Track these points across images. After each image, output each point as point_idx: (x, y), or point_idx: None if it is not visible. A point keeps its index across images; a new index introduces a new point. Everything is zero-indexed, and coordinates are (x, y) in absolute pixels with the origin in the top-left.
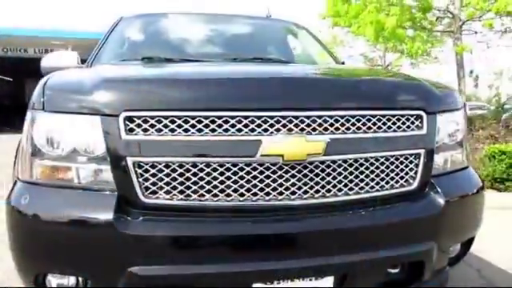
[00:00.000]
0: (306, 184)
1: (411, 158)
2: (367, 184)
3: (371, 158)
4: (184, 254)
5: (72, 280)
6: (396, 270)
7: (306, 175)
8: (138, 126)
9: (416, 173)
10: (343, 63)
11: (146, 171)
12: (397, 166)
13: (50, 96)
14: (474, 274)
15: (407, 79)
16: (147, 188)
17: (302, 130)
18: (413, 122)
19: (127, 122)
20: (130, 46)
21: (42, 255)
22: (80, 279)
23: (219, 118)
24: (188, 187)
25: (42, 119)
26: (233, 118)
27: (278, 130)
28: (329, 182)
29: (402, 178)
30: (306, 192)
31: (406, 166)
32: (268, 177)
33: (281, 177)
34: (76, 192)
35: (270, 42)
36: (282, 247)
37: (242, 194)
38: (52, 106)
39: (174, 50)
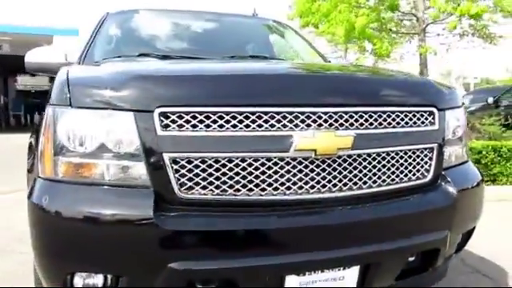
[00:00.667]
0: (335, 177)
1: (426, 152)
2: (388, 177)
3: (392, 152)
4: (222, 248)
5: (100, 279)
6: (412, 258)
7: (335, 169)
8: (173, 121)
9: (430, 166)
10: (329, 62)
11: (182, 167)
12: (414, 160)
13: (77, 92)
14: (457, 263)
15: (419, 78)
16: (183, 184)
17: (331, 125)
18: (426, 118)
19: (162, 118)
20: (124, 42)
21: (73, 254)
22: (109, 278)
23: (253, 113)
24: (224, 182)
25: (68, 116)
26: (266, 113)
27: (308, 126)
28: (355, 176)
29: (418, 170)
30: (334, 185)
31: (422, 160)
32: (300, 171)
33: (312, 171)
34: (106, 189)
35: (262, 40)
36: (314, 239)
37: (276, 189)
38: (80, 102)
39: (168, 46)
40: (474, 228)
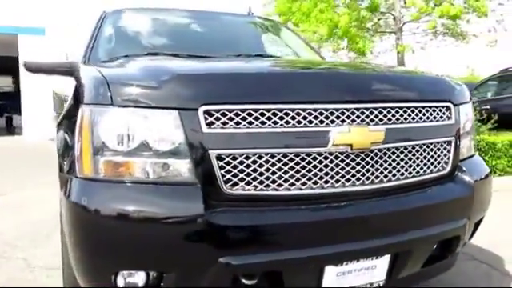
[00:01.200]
0: (368, 171)
1: (445, 145)
2: (414, 169)
3: (416, 145)
4: (269, 241)
5: (142, 277)
6: (435, 246)
7: (367, 163)
8: (217, 119)
9: (448, 158)
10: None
11: (227, 163)
12: (435, 152)
13: (120, 91)
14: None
15: (436, 76)
16: (228, 180)
17: (362, 120)
18: (444, 113)
19: (206, 116)
20: (127, 41)
21: (120, 253)
22: (151, 275)
23: (292, 110)
24: (267, 178)
25: (110, 115)
26: (304, 110)
27: (343, 121)
28: (385, 169)
29: (438, 162)
30: (367, 178)
31: (442, 152)
32: (337, 165)
33: (348, 165)
34: (152, 187)
35: (262, 39)
36: (351, 230)
37: (315, 183)
38: (122, 100)
39: (172, 45)
40: (483, 218)
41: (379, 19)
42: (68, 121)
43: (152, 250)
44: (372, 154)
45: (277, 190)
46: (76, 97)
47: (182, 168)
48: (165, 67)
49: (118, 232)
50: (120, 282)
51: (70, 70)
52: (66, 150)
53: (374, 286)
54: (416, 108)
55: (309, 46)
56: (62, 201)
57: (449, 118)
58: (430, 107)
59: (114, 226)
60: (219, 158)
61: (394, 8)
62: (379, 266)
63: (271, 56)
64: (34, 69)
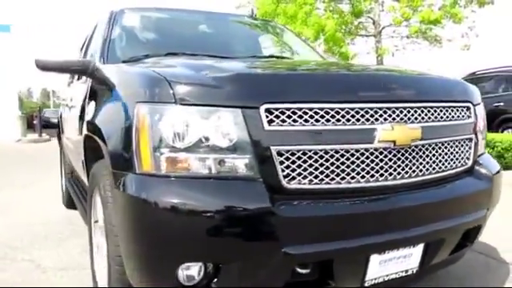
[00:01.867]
0: (407, 165)
1: (467, 142)
2: (443, 164)
3: (445, 142)
4: (326, 231)
5: (201, 269)
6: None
7: (407, 158)
8: (277, 117)
9: (470, 154)
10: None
11: (287, 159)
12: (459, 148)
13: (183, 89)
14: None
15: (456, 79)
16: (287, 175)
17: (402, 119)
18: (465, 112)
19: (267, 114)
20: (144, 41)
21: (186, 246)
22: (209, 267)
23: (342, 109)
24: (321, 172)
25: (172, 112)
26: (352, 109)
27: (385, 120)
28: (421, 163)
29: (462, 158)
30: (407, 172)
31: (465, 148)
32: (381, 160)
33: (390, 160)
34: (215, 182)
35: (271, 41)
36: (394, 221)
37: (362, 177)
38: (186, 99)
39: (189, 45)
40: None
41: (359, 23)
42: (108, 120)
43: (217, 242)
44: (410, 150)
45: (329, 183)
46: (109, 96)
47: (244, 164)
48: (224, 68)
49: (183, 226)
50: (180, 275)
51: (83, 69)
52: (120, 148)
53: (409, 273)
54: (444, 108)
55: (312, 48)
56: (113, 197)
57: (469, 116)
58: (455, 107)
59: (179, 220)
60: (279, 153)
61: (374, 12)
62: (414, 254)
63: (283, 57)
64: (45, 67)
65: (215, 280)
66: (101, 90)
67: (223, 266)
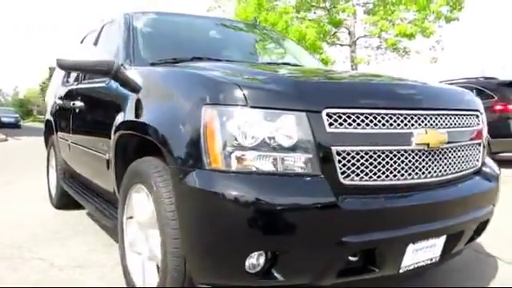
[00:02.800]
0: (437, 165)
1: (477, 145)
2: (462, 164)
3: (464, 145)
4: (379, 222)
5: (264, 259)
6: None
7: (437, 159)
8: (335, 120)
9: (479, 156)
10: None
11: (343, 158)
12: (472, 151)
13: (253, 93)
14: None
15: (465, 90)
16: (344, 172)
17: (431, 124)
18: (475, 119)
19: (328, 118)
20: (167, 44)
21: (257, 237)
22: (269, 256)
23: (387, 114)
24: (370, 170)
25: (242, 114)
26: (394, 114)
27: (419, 125)
28: (446, 164)
29: (474, 159)
30: (436, 171)
31: (476, 151)
32: (417, 160)
33: (424, 160)
34: (280, 178)
35: (279, 47)
36: (427, 214)
37: (402, 175)
38: (256, 102)
39: (209, 50)
40: None
41: (335, 33)
42: (166, 120)
43: (285, 232)
44: (439, 152)
45: (375, 180)
46: (162, 98)
47: (308, 162)
48: (288, 75)
49: (253, 218)
50: (247, 264)
51: (106, 70)
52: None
53: (432, 261)
54: (462, 115)
55: (311, 55)
56: (176, 192)
57: (478, 124)
58: (469, 115)
59: (249, 213)
60: (338, 153)
61: (349, 23)
62: (438, 245)
63: (296, 64)
64: (67, 66)
65: (275, 266)
66: (146, 92)
67: (285, 254)
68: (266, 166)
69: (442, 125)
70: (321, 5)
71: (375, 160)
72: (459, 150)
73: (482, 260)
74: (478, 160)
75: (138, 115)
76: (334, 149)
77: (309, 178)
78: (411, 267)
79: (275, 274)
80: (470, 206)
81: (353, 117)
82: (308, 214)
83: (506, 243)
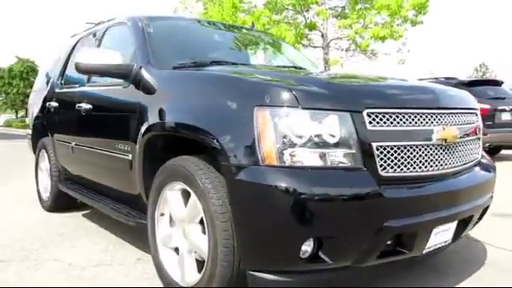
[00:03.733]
0: (451, 158)
1: (477, 140)
2: (468, 156)
3: (469, 140)
4: (413, 208)
5: (313, 245)
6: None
7: (452, 152)
8: (373, 119)
9: (479, 150)
10: None
11: (381, 152)
12: (474, 145)
13: (305, 96)
14: None
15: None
16: (381, 165)
17: (446, 122)
18: (475, 117)
19: (367, 117)
20: (185, 48)
21: (311, 224)
22: (318, 241)
23: (414, 113)
24: (402, 163)
25: (295, 114)
26: (420, 114)
27: (437, 123)
28: (457, 156)
29: (475, 152)
30: (451, 162)
31: (476, 144)
32: (437, 153)
33: (442, 153)
34: (328, 171)
35: (283, 52)
36: (447, 201)
37: (425, 166)
38: (307, 104)
39: (227, 55)
40: None
41: (307, 35)
42: (215, 120)
43: (336, 220)
44: (453, 146)
45: (405, 172)
46: (206, 99)
47: (352, 156)
48: (331, 79)
49: (307, 207)
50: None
51: (125, 73)
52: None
53: (446, 243)
54: (467, 113)
55: (306, 58)
56: (231, 187)
57: (477, 121)
58: (471, 113)
59: (303, 203)
60: (377, 148)
61: (323, 26)
62: (451, 229)
63: (300, 67)
64: (87, 70)
65: (323, 250)
66: (181, 94)
67: (334, 239)
68: (315, 161)
69: (454, 122)
70: (297, 8)
71: (405, 154)
72: (465, 144)
73: (471, 244)
74: (478, 153)
75: (174, 117)
76: (374, 144)
77: (353, 171)
78: (431, 249)
79: (324, 258)
80: (477, 193)
81: (387, 116)
82: (356, 202)
83: (490, 229)
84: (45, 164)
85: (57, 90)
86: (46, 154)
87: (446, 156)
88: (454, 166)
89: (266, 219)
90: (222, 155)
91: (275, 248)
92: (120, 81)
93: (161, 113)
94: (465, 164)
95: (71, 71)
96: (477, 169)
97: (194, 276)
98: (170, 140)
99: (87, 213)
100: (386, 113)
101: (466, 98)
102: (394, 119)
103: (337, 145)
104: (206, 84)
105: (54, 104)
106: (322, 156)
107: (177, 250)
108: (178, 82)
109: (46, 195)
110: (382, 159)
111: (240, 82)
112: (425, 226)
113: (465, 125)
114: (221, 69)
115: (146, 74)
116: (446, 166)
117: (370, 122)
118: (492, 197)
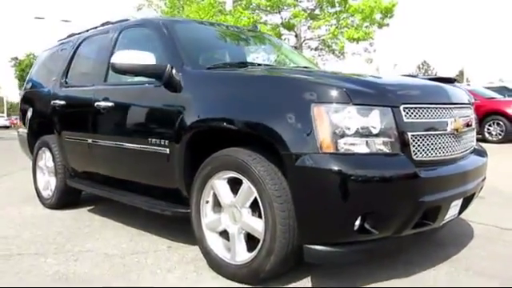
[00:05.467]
0: (459, 144)
1: (473, 130)
2: (469, 143)
3: (469, 129)
4: (439, 185)
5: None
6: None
7: (460, 139)
8: (407, 113)
9: (474, 138)
10: None
11: (413, 140)
12: (471, 134)
13: (356, 94)
14: None
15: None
16: (414, 151)
17: (456, 115)
18: (471, 110)
19: (403, 111)
20: (212, 50)
21: (362, 201)
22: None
23: (435, 108)
24: (427, 148)
25: (348, 110)
26: (440, 108)
27: (450, 116)
28: (462, 143)
29: (472, 140)
30: (459, 149)
31: (473, 134)
32: (450, 141)
33: (454, 140)
34: (373, 157)
35: (289, 53)
36: (459, 179)
37: (443, 151)
38: (357, 100)
39: (250, 56)
40: None
41: (282, 35)
42: (274, 116)
43: (382, 197)
44: (461, 134)
45: (429, 156)
46: (261, 97)
47: (392, 144)
48: (373, 79)
49: (358, 187)
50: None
51: (159, 73)
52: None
53: (453, 217)
54: (466, 108)
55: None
56: (292, 173)
57: (472, 113)
58: (468, 107)
59: (355, 183)
60: (411, 137)
61: (297, 27)
62: (458, 204)
63: (306, 67)
64: (124, 69)
65: (371, 223)
66: (230, 92)
67: (380, 213)
68: (363, 148)
69: (460, 115)
70: (274, 9)
71: (430, 141)
72: (467, 133)
73: (459, 222)
74: (473, 141)
75: (227, 113)
76: (409, 134)
77: (394, 157)
78: (445, 221)
79: (371, 230)
80: (477, 175)
81: (418, 110)
82: (398, 182)
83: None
84: (44, 162)
85: (62, 89)
86: (47, 153)
87: (456, 143)
88: (461, 152)
89: (325, 198)
90: (282, 145)
91: (333, 222)
92: (149, 80)
93: (206, 110)
94: (467, 150)
95: (76, 71)
96: (474, 154)
97: (244, 255)
98: (214, 135)
99: (92, 209)
100: (417, 107)
101: (466, 94)
102: (423, 112)
103: (380, 134)
104: (257, 84)
105: (61, 102)
106: (368, 144)
107: (222, 233)
108: (222, 82)
109: (46, 193)
110: (414, 146)
111: (296, 83)
112: (446, 200)
113: (466, 117)
114: (261, 69)
115: (181, 74)
116: (456, 152)
117: (405, 115)
118: (485, 179)
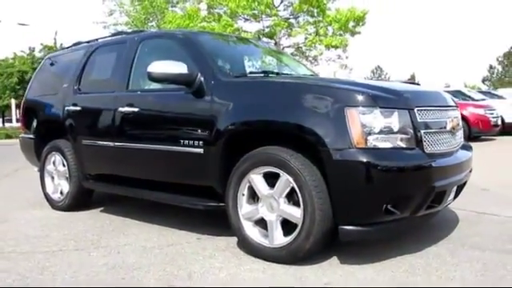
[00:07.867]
0: (454, 140)
1: (461, 128)
2: (459, 140)
3: (459, 128)
4: (445, 172)
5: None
6: None
7: (455, 136)
8: (420, 114)
9: (462, 135)
10: None
11: (425, 136)
12: (460, 132)
13: (381, 99)
14: None
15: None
16: (425, 145)
17: (451, 115)
18: (457, 112)
19: (417, 112)
20: (235, 61)
21: (389, 189)
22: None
23: (439, 110)
24: (431, 143)
25: (375, 112)
26: (441, 110)
27: (447, 117)
28: (456, 138)
29: (461, 136)
30: (454, 144)
31: (461, 131)
32: (449, 137)
33: (451, 137)
34: (394, 150)
35: (293, 62)
36: (456, 169)
37: (443, 145)
38: (381, 104)
39: (269, 66)
40: None
41: (258, 37)
42: (313, 118)
43: (405, 184)
44: (454, 132)
45: (435, 150)
46: (301, 102)
47: (409, 140)
48: (392, 86)
49: (385, 176)
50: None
51: (189, 81)
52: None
53: (450, 202)
54: (455, 109)
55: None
56: (333, 164)
57: (458, 114)
58: (456, 109)
59: (382, 172)
60: (423, 133)
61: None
62: (453, 191)
63: (312, 75)
64: (159, 78)
65: (393, 205)
66: (265, 98)
67: (402, 196)
68: (386, 144)
69: (453, 116)
70: (257, 18)
71: (436, 137)
72: (458, 131)
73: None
74: (461, 138)
75: (264, 116)
76: (422, 131)
77: (411, 150)
78: (445, 205)
79: (394, 211)
80: (467, 166)
81: (428, 111)
82: (416, 170)
83: None
84: (54, 166)
85: (76, 96)
86: (57, 156)
87: (452, 139)
88: (455, 146)
89: (359, 185)
90: (320, 143)
91: (366, 205)
92: (178, 87)
93: (243, 113)
94: (458, 145)
95: (91, 78)
96: (463, 149)
97: (281, 239)
98: (248, 136)
99: (104, 209)
100: (427, 109)
101: (452, 98)
102: (431, 114)
103: (399, 132)
104: (295, 90)
105: (77, 108)
106: (390, 140)
107: (258, 222)
108: (260, 89)
109: (56, 196)
110: (425, 141)
111: (330, 89)
112: (450, 185)
113: (456, 117)
114: (284, 77)
115: (213, 83)
116: (453, 146)
117: (419, 116)
118: (471, 170)
